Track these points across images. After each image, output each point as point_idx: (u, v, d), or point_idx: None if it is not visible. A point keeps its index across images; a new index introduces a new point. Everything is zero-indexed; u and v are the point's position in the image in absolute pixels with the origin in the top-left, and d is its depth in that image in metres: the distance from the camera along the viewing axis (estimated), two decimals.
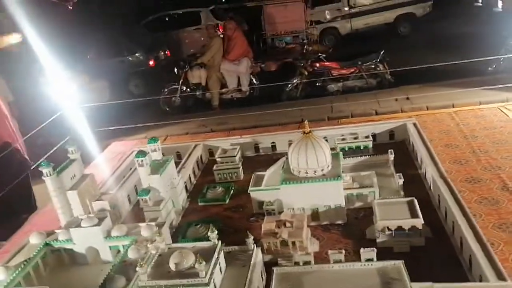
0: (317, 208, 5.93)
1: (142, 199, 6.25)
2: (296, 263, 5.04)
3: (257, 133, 9.32)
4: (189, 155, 8.24)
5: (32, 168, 9.41)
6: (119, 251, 5.62)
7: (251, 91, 15.16)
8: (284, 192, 6.00)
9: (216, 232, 4.73)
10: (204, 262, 4.04)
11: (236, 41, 14.65)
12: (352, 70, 13.49)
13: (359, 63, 13.40)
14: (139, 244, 5.33)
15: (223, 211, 6.97)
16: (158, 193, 6.29)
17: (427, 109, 10.11)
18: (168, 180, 6.65)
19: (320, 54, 14.06)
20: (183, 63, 15.28)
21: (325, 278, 4.11)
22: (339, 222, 6.00)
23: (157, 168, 6.53)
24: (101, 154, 10.68)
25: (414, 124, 8.12)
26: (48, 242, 5.64)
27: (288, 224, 5.60)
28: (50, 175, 6.15)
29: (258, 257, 4.75)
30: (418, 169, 7.05)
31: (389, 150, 7.08)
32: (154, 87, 16.13)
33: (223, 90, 15.18)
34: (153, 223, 5.72)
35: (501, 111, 9.15)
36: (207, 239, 5.01)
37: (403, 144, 8.24)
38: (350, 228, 5.97)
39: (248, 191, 6.64)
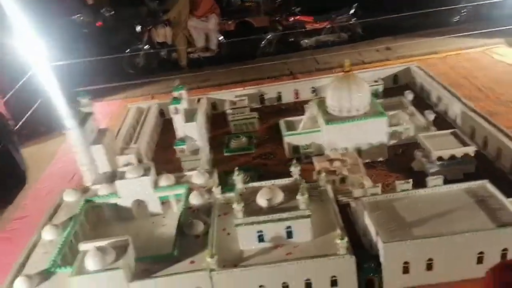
0: (360, 147, 5.99)
1: (179, 149, 5.91)
2: (357, 198, 5.09)
3: (249, 86, 9.16)
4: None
5: (15, 128, 8.51)
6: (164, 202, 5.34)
7: (219, 50, 14.67)
8: (327, 132, 5.97)
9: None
10: (306, 194, 3.94)
11: None
12: (326, 23, 13.50)
13: (333, 16, 13.43)
14: (199, 190, 5.08)
15: (253, 160, 6.82)
16: (194, 141, 5.98)
17: (412, 57, 10.42)
18: (201, 129, 6.34)
19: (294, 7, 13.87)
20: (147, 20, 14.34)
21: (416, 202, 4.20)
22: (381, 159, 6.13)
23: (191, 116, 6.19)
24: None
25: (419, 67, 8.39)
26: (88, 198, 5.19)
27: (342, 163, 5.61)
28: (74, 127, 5.60)
29: (331, 192, 4.73)
30: (433, 107, 7.31)
31: (406, 91, 7.27)
32: (107, 49, 14.83)
33: (190, 49, 14.53)
34: (203, 170, 5.46)
35: (487, 54, 9.82)
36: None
37: (407, 87, 8.52)
38: (393, 164, 6.14)
39: (284, 136, 6.52)
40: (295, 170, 4.43)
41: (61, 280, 4.00)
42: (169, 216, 5.30)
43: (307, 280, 3.88)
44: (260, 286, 3.89)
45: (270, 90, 8.62)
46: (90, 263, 3.76)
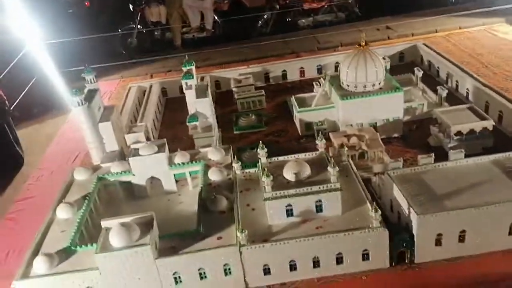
0: (376, 122, 5.91)
1: (192, 125, 5.74)
2: (376, 173, 5.02)
3: (253, 64, 8.97)
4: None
5: (11, 108, 8.21)
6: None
7: (213, 30, 14.36)
8: (343, 108, 5.86)
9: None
10: (337, 167, 3.83)
11: None
12: (323, 3, 13.32)
13: None
14: (218, 166, 4.93)
15: (265, 137, 6.69)
16: (206, 118, 5.81)
17: (413, 36, 10.35)
18: (211, 105, 6.17)
19: None
20: None
21: (446, 174, 4.14)
22: (396, 135, 6.06)
23: (202, 91, 6.00)
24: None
25: (425, 45, 8.31)
26: (101, 176, 5.00)
27: (359, 138, 5.51)
28: (82, 104, 5.38)
29: (353, 167, 4.63)
30: (443, 84, 7.24)
31: (416, 68, 7.19)
32: (96, 30, 14.34)
33: (185, 29, 14.20)
34: (218, 147, 5.31)
35: (489, 32, 9.80)
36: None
37: (413, 64, 8.44)
38: (409, 139, 6.08)
39: (296, 113, 6.40)
40: (320, 143, 4.31)
41: (82, 258, 3.84)
42: (184, 194, 5.16)
43: (338, 254, 3.79)
44: (291, 260, 3.79)
45: (275, 68, 8.46)
46: (115, 240, 3.60)
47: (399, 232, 3.81)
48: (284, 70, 8.29)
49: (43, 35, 11.10)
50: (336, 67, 8.29)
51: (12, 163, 8.15)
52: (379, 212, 3.66)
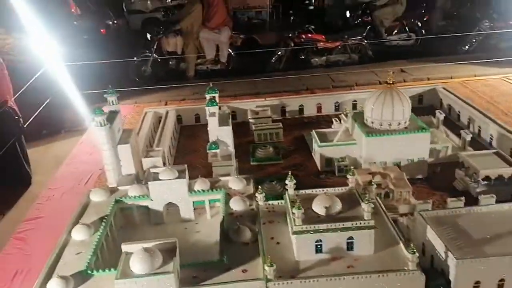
0: (400, 162, 5.79)
1: (212, 153, 5.61)
2: (403, 214, 4.86)
3: (270, 98, 8.94)
4: None
5: (25, 126, 8.12)
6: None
7: (227, 63, 14.54)
8: (367, 145, 5.76)
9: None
10: (371, 204, 3.68)
11: (218, 9, 13.90)
12: (338, 43, 13.53)
13: (346, 37, 13.48)
14: (240, 196, 4.78)
15: (283, 170, 6.56)
16: (226, 147, 5.70)
17: (428, 80, 10.42)
18: (231, 134, 6.07)
19: (307, 25, 13.88)
20: (158, 28, 14.16)
21: (480, 219, 3.98)
22: (420, 176, 5.93)
23: (224, 119, 5.92)
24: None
25: (445, 89, 8.33)
26: (118, 199, 4.83)
27: (383, 177, 5.38)
28: (104, 124, 5.28)
29: (382, 206, 4.48)
30: (463, 128, 7.17)
31: (437, 111, 7.16)
32: (110, 56, 14.47)
33: (199, 60, 14.36)
34: (240, 176, 5.17)
35: (505, 81, 9.87)
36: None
37: (432, 107, 8.42)
38: (433, 182, 5.94)
39: (317, 147, 6.30)
40: (351, 178, 4.17)
41: (98, 283, 3.62)
42: (202, 223, 4.97)
43: None
44: None
45: (292, 103, 8.43)
46: (137, 266, 3.40)
47: (435, 277, 3.60)
48: (301, 105, 8.27)
49: (59, 58, 11.17)
50: (354, 105, 8.28)
51: (20, 181, 7.98)
52: (417, 254, 3.48)
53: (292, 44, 13.43)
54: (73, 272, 3.73)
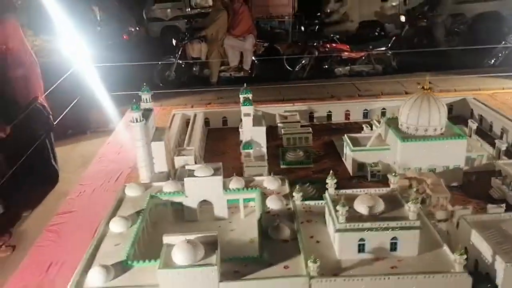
0: (435, 168, 5.70)
1: (245, 153, 5.60)
2: (440, 220, 4.77)
3: (298, 103, 8.91)
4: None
5: (55, 124, 8.22)
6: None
7: (250, 71, 14.60)
8: (402, 150, 5.69)
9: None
10: (418, 204, 3.61)
11: (243, 16, 14.05)
12: (362, 54, 13.52)
13: (370, 47, 13.47)
14: (277, 195, 4.74)
15: (313, 174, 6.51)
16: (260, 147, 5.68)
17: (455, 91, 10.32)
18: (265, 135, 6.05)
19: (333, 35, 13.92)
20: (183, 34, 14.34)
21: None
22: (455, 184, 5.82)
23: (258, 120, 5.91)
24: (125, 119, 9.74)
25: (476, 99, 8.22)
26: (153, 194, 4.83)
27: (419, 182, 5.29)
28: (140, 121, 5.31)
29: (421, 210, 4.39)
30: (496, 139, 7.05)
31: (470, 120, 7.07)
32: (134, 60, 14.63)
33: (222, 67, 14.48)
34: (275, 177, 5.13)
35: None
36: (316, 198, 4.73)
37: (462, 118, 8.31)
38: (468, 190, 5.82)
39: (350, 152, 6.24)
40: (393, 180, 4.11)
41: (137, 274, 3.60)
42: (235, 221, 4.94)
43: None
44: None
45: (319, 109, 8.41)
46: (179, 257, 3.37)
47: (481, 280, 3.51)
48: (329, 111, 8.24)
49: (87, 60, 11.34)
50: (383, 113, 8.22)
51: (48, 178, 8.06)
52: (465, 255, 3.39)
53: (317, 53, 13.46)
54: (112, 262, 3.72)
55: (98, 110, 10.54)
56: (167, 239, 3.64)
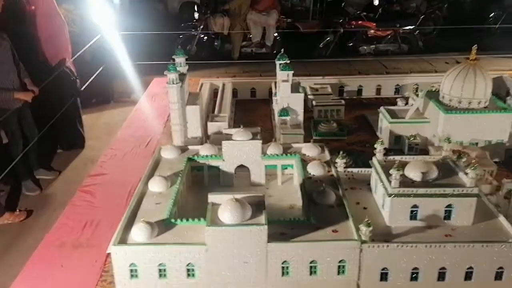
0: (477, 143, 5.50)
1: (282, 120, 5.44)
2: (486, 195, 4.58)
3: (328, 76, 8.67)
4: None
5: (82, 88, 8.12)
6: None
7: (272, 47, 14.31)
8: (445, 122, 5.49)
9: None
10: (477, 170, 3.43)
11: None
12: (388, 32, 13.15)
13: (397, 25, 13.10)
14: (319, 161, 4.58)
15: (348, 146, 6.34)
16: (296, 115, 5.50)
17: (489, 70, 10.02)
18: (303, 102, 5.87)
19: (359, 11, 13.56)
20: (205, 8, 14.04)
21: None
22: (496, 159, 5.61)
23: (296, 87, 5.73)
24: (150, 88, 9.64)
25: None
26: (191, 157, 4.70)
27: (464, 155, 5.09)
28: (176, 83, 5.16)
29: None
30: None
31: (508, 97, 6.78)
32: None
33: (244, 42, 14.19)
34: (315, 144, 4.97)
35: None
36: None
37: (498, 96, 8.03)
38: (511, 166, 5.63)
39: (387, 123, 6.05)
40: (445, 146, 3.94)
41: (180, 233, 3.50)
42: (272, 188, 4.81)
43: (468, 268, 3.34)
44: (414, 268, 3.35)
45: (350, 83, 8.19)
46: (228, 215, 3.25)
47: None
48: (360, 86, 8.02)
49: (113, 28, 11.13)
50: (416, 89, 7.96)
51: (75, 143, 8.00)
52: None
53: (342, 31, 13.13)
54: (155, 220, 3.62)
55: (122, 80, 10.42)
56: (212, 197, 3.53)
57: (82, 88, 8.23)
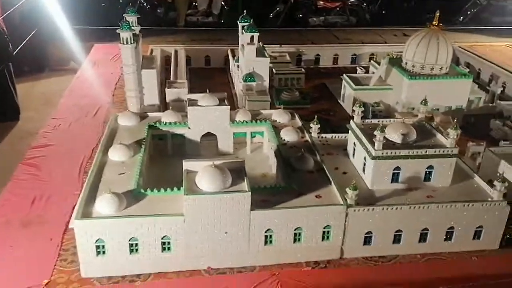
0: (438, 109, 5.58)
1: (248, 85, 5.16)
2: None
3: (286, 45, 8.44)
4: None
5: (14, 53, 7.30)
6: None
7: (219, 16, 13.85)
8: (409, 89, 5.50)
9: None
10: (458, 130, 3.40)
11: None
12: (337, 4, 13.17)
13: None
14: (292, 127, 4.41)
15: (312, 114, 6.20)
16: (262, 81, 5.26)
17: None
18: (269, 67, 5.61)
19: None
20: None
21: None
22: (450, 122, 5.73)
23: (261, 52, 5.45)
24: (91, 55, 8.92)
25: (463, 48, 8.19)
26: (152, 124, 4.34)
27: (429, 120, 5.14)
28: (130, 43, 4.72)
29: None
30: (484, 85, 7.07)
31: (460, 66, 6.98)
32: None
33: (190, 11, 13.61)
34: (286, 110, 4.78)
35: (509, 47, 10.00)
36: None
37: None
38: (468, 131, 5.81)
39: (351, 91, 5.98)
40: (423, 109, 3.88)
41: (151, 204, 3.17)
42: (241, 157, 4.53)
43: (449, 228, 3.33)
44: (397, 230, 3.29)
45: (308, 51, 8.04)
46: (207, 183, 2.96)
47: None
48: (318, 55, 7.89)
49: None
50: (371, 58, 7.99)
51: (9, 114, 7.21)
52: (506, 183, 3.24)
53: (292, 1, 12.94)
54: (120, 191, 3.24)
55: (59, 46, 9.53)
56: (188, 164, 3.20)
57: (15, 52, 7.36)
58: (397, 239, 3.45)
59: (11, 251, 3.51)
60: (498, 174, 3.89)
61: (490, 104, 5.91)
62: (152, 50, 7.60)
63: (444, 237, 3.48)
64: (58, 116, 5.97)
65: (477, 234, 3.51)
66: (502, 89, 6.22)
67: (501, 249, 3.58)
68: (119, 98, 6.83)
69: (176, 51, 7.50)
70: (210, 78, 7.11)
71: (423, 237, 3.47)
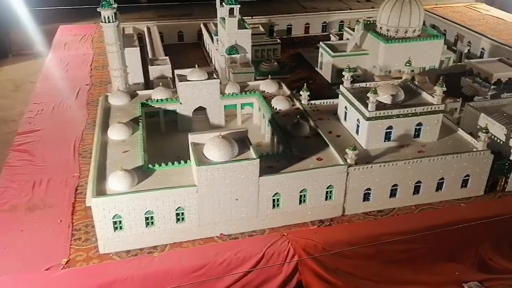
0: (413, 70, 5.83)
1: (232, 58, 5.22)
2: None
3: (257, 16, 8.47)
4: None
5: None
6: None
7: None
8: (385, 52, 5.71)
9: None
10: (443, 87, 3.65)
11: None
12: None
13: None
14: (283, 96, 4.54)
15: (293, 83, 6.37)
16: (245, 53, 5.33)
17: None
18: (250, 39, 5.67)
19: None
20: None
21: None
22: (427, 81, 6.02)
23: (242, 24, 5.48)
24: (57, 37, 8.58)
25: (427, 10, 8.45)
26: (144, 102, 4.38)
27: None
28: (112, 21, 4.67)
29: None
30: (450, 45, 7.40)
31: (428, 27, 7.25)
32: None
33: None
34: (273, 80, 4.90)
35: (470, 9, 10.36)
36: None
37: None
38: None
39: (330, 58, 6.14)
40: (407, 70, 4.09)
41: (163, 178, 3.26)
42: (234, 128, 4.66)
43: (440, 179, 3.62)
44: (393, 185, 3.54)
45: (280, 22, 8.10)
46: (216, 153, 3.08)
47: (498, 158, 3.71)
48: (290, 25, 7.97)
49: None
50: (341, 25, 8.13)
51: None
52: (489, 134, 3.53)
53: None
54: (129, 168, 3.31)
55: (20, 30, 9.11)
56: (193, 137, 3.30)
57: None
58: (393, 193, 3.71)
59: (22, 235, 3.53)
60: (478, 127, 4.20)
61: (459, 63, 6.28)
62: (123, 29, 7.43)
63: (435, 187, 3.76)
64: (38, 101, 5.84)
65: (464, 183, 3.83)
66: (468, 48, 6.55)
67: (485, 194, 3.92)
68: (97, 78, 6.70)
69: (148, 28, 7.37)
70: (186, 53, 7.07)
71: (416, 189, 3.75)
